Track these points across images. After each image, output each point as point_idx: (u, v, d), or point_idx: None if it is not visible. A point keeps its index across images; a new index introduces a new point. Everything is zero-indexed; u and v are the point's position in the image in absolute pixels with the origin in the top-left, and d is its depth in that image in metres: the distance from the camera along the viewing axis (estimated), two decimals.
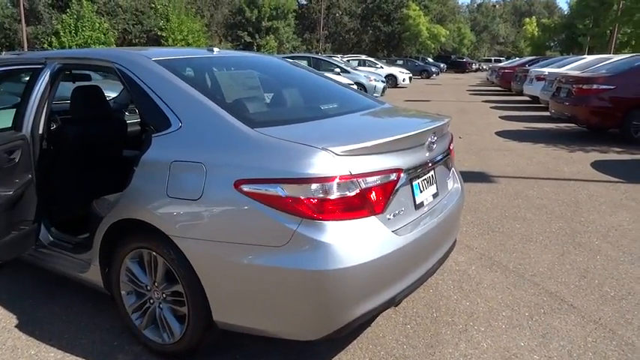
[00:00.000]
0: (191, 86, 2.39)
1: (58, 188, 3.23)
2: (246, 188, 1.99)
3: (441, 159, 2.61)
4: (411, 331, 2.71)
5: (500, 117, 12.13)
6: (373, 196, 2.06)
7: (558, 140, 8.75)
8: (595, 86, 8.29)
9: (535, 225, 4.40)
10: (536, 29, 56.97)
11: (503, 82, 19.15)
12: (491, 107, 14.45)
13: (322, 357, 2.47)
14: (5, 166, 2.64)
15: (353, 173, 2.00)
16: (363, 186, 2.02)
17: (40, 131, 2.91)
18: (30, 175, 2.80)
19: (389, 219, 2.14)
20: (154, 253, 2.33)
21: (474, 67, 51.24)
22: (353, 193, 1.99)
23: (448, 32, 58.20)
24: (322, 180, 1.94)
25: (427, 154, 2.42)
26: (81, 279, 2.75)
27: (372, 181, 2.06)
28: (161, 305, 2.42)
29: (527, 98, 15.24)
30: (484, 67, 50.58)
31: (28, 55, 3.24)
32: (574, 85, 8.64)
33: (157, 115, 2.35)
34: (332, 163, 1.97)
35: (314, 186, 1.93)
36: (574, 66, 12.58)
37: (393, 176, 2.14)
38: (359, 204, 2.02)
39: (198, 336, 2.30)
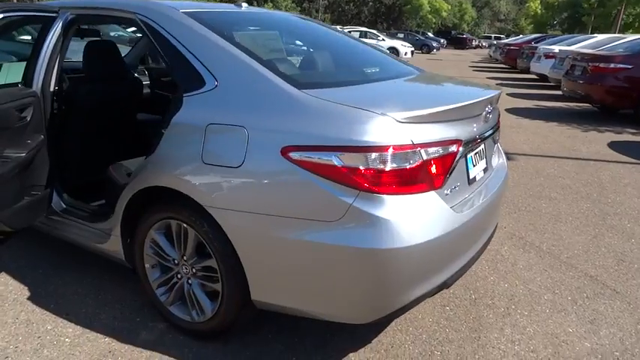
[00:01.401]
0: (227, 41, 2.15)
1: (69, 152, 3.00)
2: (295, 156, 1.79)
3: (492, 132, 2.41)
4: (451, 313, 2.55)
5: (507, 94, 11.89)
6: (433, 168, 1.87)
7: (570, 119, 8.57)
8: (612, 65, 8.07)
9: (562, 205, 4.24)
10: (539, 7, 56.19)
11: (508, 60, 18.82)
12: (497, 84, 14.18)
13: (361, 338, 2.32)
14: (17, 125, 2.41)
15: (415, 143, 1.80)
16: (425, 157, 1.82)
17: (52, 89, 2.66)
18: (42, 137, 2.57)
19: (447, 194, 1.95)
20: (184, 224, 2.13)
21: (473, 43, 50.58)
22: (414, 165, 1.80)
23: (450, 7, 57.28)
24: (382, 149, 1.74)
25: (482, 126, 2.22)
26: (98, 250, 2.56)
27: (433, 152, 1.86)
28: (190, 281, 2.24)
29: (534, 76, 14.98)
30: (484, 44, 50.00)
31: (40, 2, 2.95)
32: (590, 64, 8.41)
33: (189, 73, 2.12)
34: (393, 131, 1.77)
35: (374, 155, 1.73)
36: (585, 44, 12.30)
37: (453, 148, 1.94)
38: (419, 177, 1.82)
39: (232, 315, 2.13)
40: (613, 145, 6.64)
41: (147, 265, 2.35)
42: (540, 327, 2.46)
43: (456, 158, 1.96)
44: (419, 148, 1.80)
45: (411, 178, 1.80)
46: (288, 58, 2.58)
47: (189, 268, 2.22)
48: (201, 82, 2.08)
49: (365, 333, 2.35)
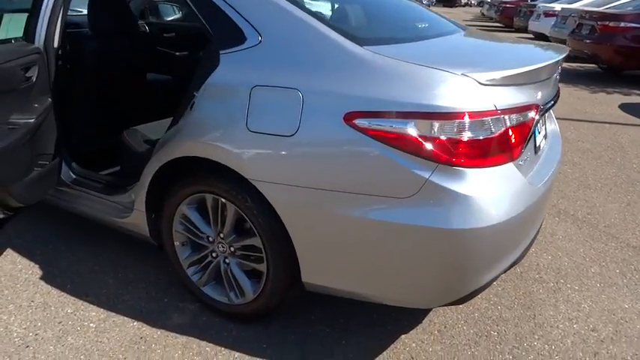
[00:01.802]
0: None
1: (75, 116, 2.72)
2: (362, 123, 1.56)
3: (556, 96, 2.19)
4: (499, 289, 2.40)
5: None
6: (513, 137, 1.66)
7: (576, 80, 8.37)
8: (622, 24, 7.82)
9: (587, 170, 4.09)
10: None
11: (503, 18, 18.38)
12: None
13: (410, 318, 2.15)
14: (22, 87, 2.12)
15: (498, 108, 1.57)
16: (508, 124, 1.61)
17: (55, 45, 2.36)
18: (49, 99, 2.29)
19: (520, 165, 1.75)
20: (222, 199, 1.90)
21: (462, 1, 49.64)
22: (497, 134, 1.58)
23: None
24: (464, 116, 1.51)
25: (551, 89, 2.00)
26: (117, 225, 2.32)
27: (515, 118, 1.64)
28: (227, 260, 2.03)
29: (531, 35, 14.66)
30: (473, 2, 49.10)
31: None
32: (598, 22, 8.15)
33: (226, 27, 1.84)
34: (475, 95, 1.54)
35: (455, 123, 1.51)
36: (588, 2, 11.98)
37: (532, 114, 1.72)
38: (501, 147, 1.61)
39: (278, 298, 1.94)
40: (624, 107, 6.48)
41: (176, 243, 2.13)
42: (595, 303, 2.33)
43: (534, 125, 1.74)
44: (502, 115, 1.58)
45: (494, 149, 1.59)
46: (339, 8, 2.30)
47: (226, 247, 2.00)
48: (242, 38, 1.80)
49: (414, 312, 2.19)
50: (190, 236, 2.09)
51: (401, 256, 1.62)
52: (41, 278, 2.36)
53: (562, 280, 2.50)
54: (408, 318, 2.16)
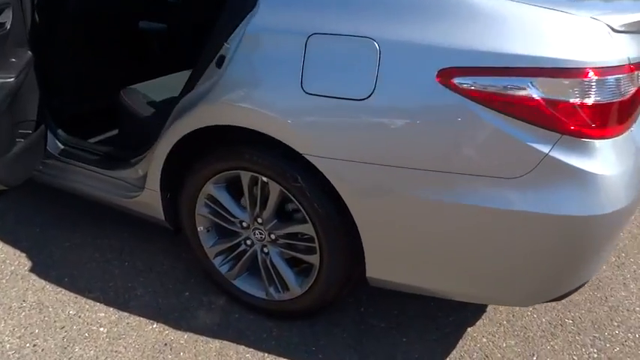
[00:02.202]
0: None
1: (57, 73, 2.26)
2: (462, 83, 1.20)
3: None
4: None
5: None
6: (637, 100, 1.34)
7: None
8: None
9: None
10: None
11: None
12: None
13: (473, 308, 1.88)
14: None
15: (632, 62, 1.24)
16: (637, 83, 1.28)
17: None
18: (29, 52, 1.83)
19: (633, 134, 1.44)
20: (263, 177, 1.54)
21: None
22: (628, 95, 1.25)
23: None
24: (598, 72, 1.17)
25: None
26: (122, 205, 1.94)
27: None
28: (266, 249, 1.69)
29: None
30: None
31: None
32: None
33: None
34: (608, 45, 1.20)
35: (586, 81, 1.17)
36: None
37: None
38: (628, 112, 1.29)
39: (332, 295, 1.62)
40: None
41: (200, 229, 1.77)
42: None
43: None
44: (636, 71, 1.25)
45: (621, 114, 1.26)
46: None
47: (265, 234, 1.66)
48: None
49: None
50: (218, 221, 1.73)
51: (501, 248, 1.31)
52: (31, 271, 1.98)
53: (623, 254, 2.26)
54: (470, 306, 1.88)
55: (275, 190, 1.54)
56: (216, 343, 1.68)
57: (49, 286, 1.90)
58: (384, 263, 1.46)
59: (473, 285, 1.41)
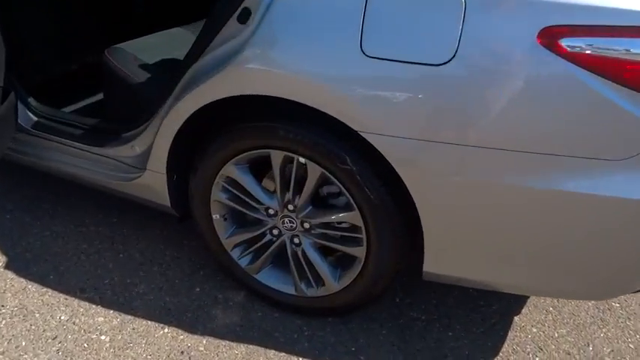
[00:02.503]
0: None
1: (21, 28, 1.89)
2: (570, 45, 0.98)
3: None
4: None
5: None
6: None
7: None
8: None
9: None
10: None
11: None
12: None
13: (514, 296, 1.73)
14: None
15: None
16: None
17: None
18: None
19: None
20: (300, 158, 1.29)
21: None
22: None
23: None
24: None
25: None
26: (115, 189, 1.65)
27: None
28: (297, 240, 1.45)
29: None
30: None
31: None
32: None
33: None
34: None
35: None
36: None
37: None
38: None
39: (379, 290, 1.42)
40: None
41: (215, 217, 1.51)
42: None
43: None
44: None
45: None
46: None
47: (296, 222, 1.42)
48: None
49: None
50: (239, 207, 1.48)
51: (596, 239, 1.13)
52: (7, 268, 1.67)
53: None
54: (511, 296, 1.72)
55: (315, 172, 1.30)
56: (241, 349, 1.45)
57: (32, 286, 1.61)
58: (448, 257, 1.26)
59: (551, 279, 1.24)
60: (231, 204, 1.47)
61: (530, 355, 1.51)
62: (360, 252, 1.35)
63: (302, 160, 1.29)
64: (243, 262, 1.55)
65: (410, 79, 1.08)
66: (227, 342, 1.47)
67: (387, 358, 1.47)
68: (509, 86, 1.04)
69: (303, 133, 1.24)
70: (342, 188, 1.27)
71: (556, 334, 1.59)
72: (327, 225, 1.40)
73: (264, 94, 1.21)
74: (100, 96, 2.00)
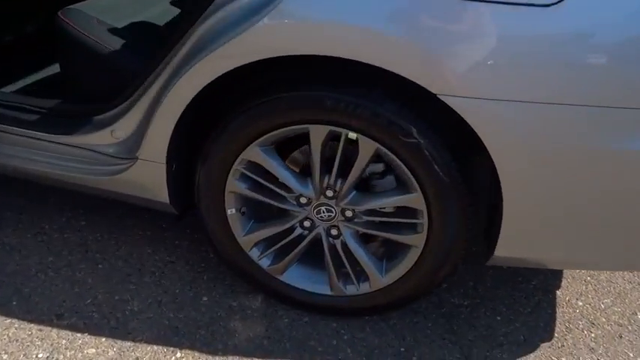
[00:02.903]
0: None
1: None
2: None
3: None
4: None
5: None
6: None
7: None
8: None
9: None
10: None
11: None
12: None
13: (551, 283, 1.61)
14: None
15: None
16: None
17: None
18: None
19: None
20: (350, 132, 1.05)
21: None
22: None
23: None
24: None
25: None
26: (92, 187, 1.31)
27: None
28: (335, 231, 1.21)
29: None
30: None
31: None
32: None
33: None
34: None
35: None
36: None
37: None
38: None
39: (437, 282, 1.23)
40: None
41: (230, 212, 1.23)
42: None
43: None
44: None
45: None
46: None
47: (336, 210, 1.18)
48: None
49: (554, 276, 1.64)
50: (261, 198, 1.21)
51: None
52: None
53: None
54: (549, 284, 1.60)
55: (368, 150, 1.06)
56: None
57: (19, 308, 1.26)
58: (528, 237, 1.09)
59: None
60: (252, 194, 1.21)
61: (585, 332, 1.40)
62: (417, 240, 1.15)
63: (353, 135, 1.05)
64: (265, 263, 1.29)
65: (508, 24, 0.87)
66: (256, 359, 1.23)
67: (441, 354, 1.29)
68: (628, 37, 0.86)
69: (358, 103, 1.00)
70: (404, 167, 1.06)
71: (602, 306, 1.49)
72: (373, 212, 1.18)
73: (310, 53, 0.95)
74: (47, 71, 1.61)
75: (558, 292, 1.52)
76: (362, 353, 1.27)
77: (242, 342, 1.27)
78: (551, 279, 1.56)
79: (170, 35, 1.11)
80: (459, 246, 1.15)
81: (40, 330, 1.24)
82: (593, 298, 1.51)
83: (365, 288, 1.26)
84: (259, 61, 1.01)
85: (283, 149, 1.19)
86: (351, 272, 1.25)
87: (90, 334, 1.25)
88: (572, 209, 1.03)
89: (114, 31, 1.36)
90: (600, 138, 0.93)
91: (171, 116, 1.10)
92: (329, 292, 1.29)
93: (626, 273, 1.61)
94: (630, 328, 1.42)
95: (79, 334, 1.24)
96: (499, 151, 0.96)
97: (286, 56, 0.98)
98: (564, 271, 1.59)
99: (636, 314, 1.47)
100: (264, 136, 1.10)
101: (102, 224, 1.57)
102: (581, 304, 1.49)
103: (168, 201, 1.25)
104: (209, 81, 1.03)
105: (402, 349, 1.29)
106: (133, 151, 1.21)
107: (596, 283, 1.56)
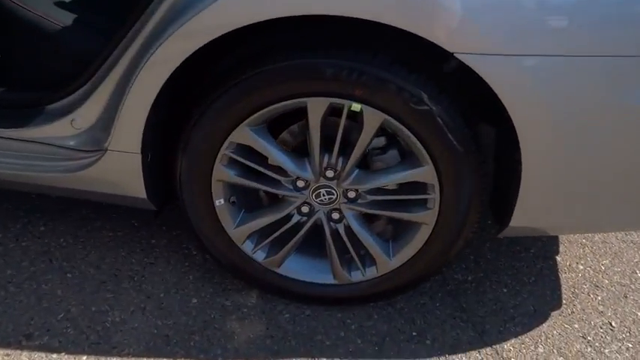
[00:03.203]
0: None
1: None
2: None
3: None
4: None
5: None
6: None
7: None
8: None
9: None
10: None
11: None
12: None
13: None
14: None
15: None
16: None
17: None
18: None
19: None
20: (354, 104, 0.94)
21: None
22: None
23: None
24: None
25: None
26: (54, 186, 1.15)
27: None
28: (337, 215, 1.11)
29: None
30: None
31: None
32: None
33: None
34: None
35: None
36: None
37: None
38: None
39: (447, 260, 1.15)
40: None
41: (219, 202, 1.10)
42: None
43: None
44: None
45: None
46: None
47: (337, 192, 1.07)
48: None
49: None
50: (253, 184, 1.08)
51: None
52: None
53: None
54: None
55: (373, 122, 0.95)
56: None
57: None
58: (546, 205, 1.02)
59: None
60: (243, 182, 1.08)
61: (591, 296, 1.37)
62: (428, 217, 1.06)
63: (357, 106, 0.94)
64: (260, 256, 1.17)
65: None
66: None
67: (454, 334, 1.22)
68: None
69: (362, 69, 0.89)
70: (413, 138, 0.96)
71: (602, 267, 1.47)
72: (379, 190, 1.08)
73: (302, 13, 0.83)
74: None
75: (558, 258, 1.48)
76: (373, 342, 1.18)
77: (242, 344, 1.15)
78: (548, 245, 1.53)
79: (134, 7, 0.96)
80: (473, 219, 1.07)
81: (8, 355, 1.08)
82: (592, 261, 1.48)
83: (372, 273, 1.16)
84: (245, 27, 0.87)
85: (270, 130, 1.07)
86: (355, 257, 1.15)
87: (67, 352, 1.10)
88: (594, 170, 0.96)
89: (62, 4, 1.17)
90: (625, 92, 0.86)
91: (145, 99, 0.95)
92: (332, 282, 1.19)
93: (618, 233, 1.60)
94: (633, 287, 1.41)
95: (54, 355, 1.09)
96: (520, 112, 0.88)
97: (276, 21, 0.86)
98: (560, 236, 1.56)
99: (636, 272, 1.46)
100: (255, 115, 0.97)
101: (65, 228, 1.39)
102: (581, 267, 1.46)
103: (145, 196, 1.10)
104: (185, 57, 0.89)
105: (414, 334, 1.22)
106: (99, 142, 1.05)
107: (592, 245, 1.54)
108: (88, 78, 1.03)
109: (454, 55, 0.83)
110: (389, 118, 0.94)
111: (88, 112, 1.05)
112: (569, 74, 0.84)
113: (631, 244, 1.55)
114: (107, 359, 1.09)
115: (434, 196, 1.03)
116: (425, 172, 1.00)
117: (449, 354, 1.18)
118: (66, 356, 1.09)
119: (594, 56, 0.82)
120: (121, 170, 1.06)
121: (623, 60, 0.82)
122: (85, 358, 1.09)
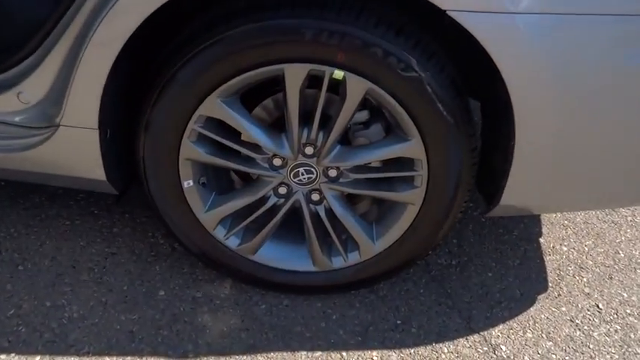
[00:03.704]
0: None
1: None
2: None
3: None
4: None
5: None
6: None
7: None
8: None
9: None
10: None
11: None
12: None
13: (524, 217, 1.53)
14: None
15: None
16: None
17: None
18: None
19: None
20: (336, 71, 0.85)
21: None
22: None
23: None
24: None
25: None
26: (4, 167, 1.03)
27: None
28: (317, 196, 1.03)
29: None
30: None
31: None
32: None
33: None
34: None
35: None
36: None
37: None
38: None
39: (435, 243, 1.08)
40: None
41: (187, 183, 1.00)
42: None
43: None
44: None
45: None
46: None
47: (317, 171, 0.99)
48: None
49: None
50: (225, 163, 0.99)
51: None
52: None
53: None
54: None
55: (357, 91, 0.87)
56: None
57: None
58: (539, 181, 0.97)
59: None
60: (214, 160, 0.98)
61: (577, 278, 1.33)
62: (415, 196, 0.99)
63: (339, 73, 0.85)
64: (233, 243, 1.08)
65: None
66: (237, 357, 1.03)
67: (440, 321, 1.16)
68: None
69: (345, 31, 0.81)
70: (400, 108, 0.88)
71: (585, 248, 1.43)
72: (362, 168, 1.00)
73: None
74: None
75: (542, 240, 1.44)
76: (356, 333, 1.11)
77: (216, 338, 1.06)
78: (531, 227, 1.49)
79: None
80: (461, 198, 1.00)
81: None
82: (575, 242, 1.45)
83: (354, 258, 1.09)
84: None
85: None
86: (337, 242, 1.07)
87: (18, 353, 0.98)
88: (591, 143, 0.91)
89: None
90: (627, 55, 0.81)
91: (100, 69, 0.85)
92: (312, 269, 1.11)
93: (599, 213, 1.57)
94: (617, 267, 1.38)
95: (2, 356, 0.98)
96: (515, 77, 0.82)
97: None
98: (542, 216, 1.52)
99: (619, 253, 1.43)
100: (226, 84, 0.87)
101: (15, 216, 1.26)
102: (565, 249, 1.42)
103: (104, 178, 0.99)
104: (143, 19, 0.79)
105: (399, 322, 1.15)
106: (51, 117, 0.94)
107: (575, 226, 1.51)
108: (33, 49, 0.92)
109: (447, 12, 0.76)
110: (374, 86, 0.86)
111: (36, 85, 0.94)
112: (569, 34, 0.78)
113: (612, 224, 1.53)
114: (64, 359, 0.99)
115: (421, 173, 0.96)
116: (412, 147, 0.93)
117: (436, 342, 1.12)
118: (16, 357, 0.98)
119: (594, 14, 0.77)
120: (76, 149, 0.95)
121: (624, 19, 0.77)
122: (38, 358, 0.98)
